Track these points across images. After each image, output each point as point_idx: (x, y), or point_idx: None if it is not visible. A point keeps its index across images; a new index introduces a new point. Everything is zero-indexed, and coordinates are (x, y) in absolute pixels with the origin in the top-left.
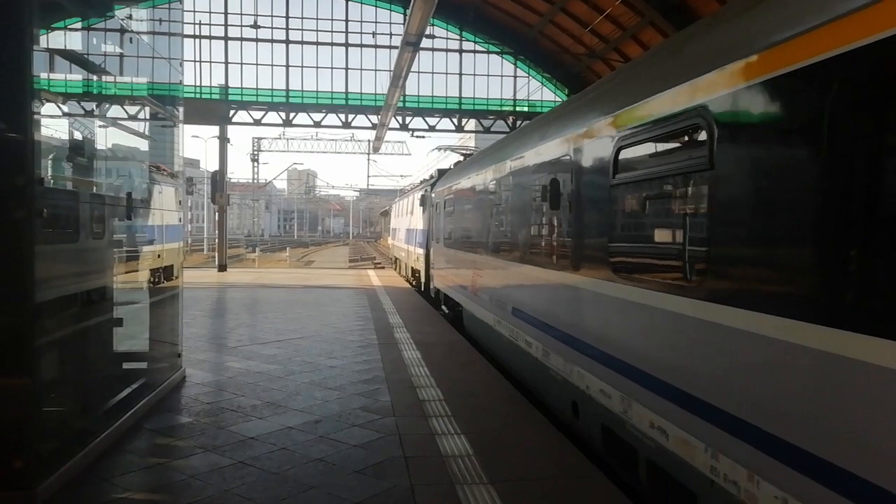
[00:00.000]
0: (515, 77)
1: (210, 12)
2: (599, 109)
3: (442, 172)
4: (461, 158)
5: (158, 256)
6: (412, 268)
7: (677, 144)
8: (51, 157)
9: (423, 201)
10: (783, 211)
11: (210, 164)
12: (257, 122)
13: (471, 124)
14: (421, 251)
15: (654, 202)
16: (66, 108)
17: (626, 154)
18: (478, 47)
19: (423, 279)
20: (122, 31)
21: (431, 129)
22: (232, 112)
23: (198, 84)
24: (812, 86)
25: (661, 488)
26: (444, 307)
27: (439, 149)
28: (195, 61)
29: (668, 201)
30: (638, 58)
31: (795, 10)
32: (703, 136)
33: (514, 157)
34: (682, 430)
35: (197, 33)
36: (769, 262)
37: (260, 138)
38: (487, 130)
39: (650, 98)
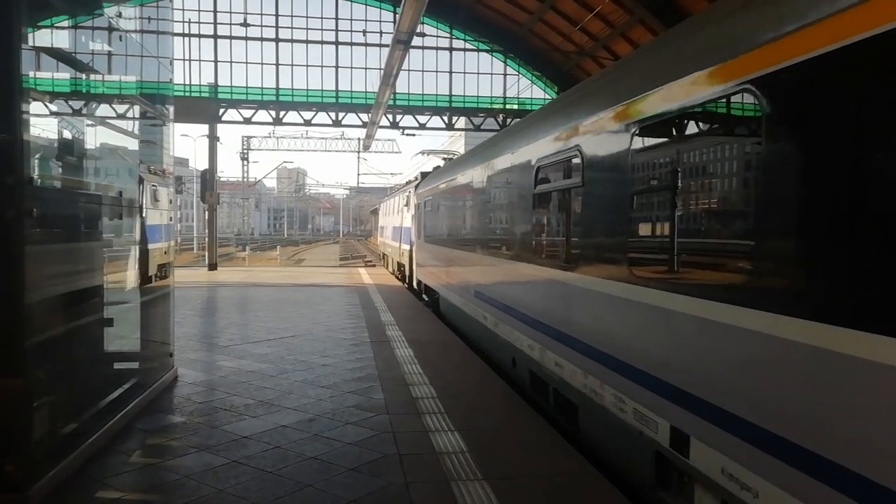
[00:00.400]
0: (505, 75)
1: (199, 10)
2: (526, 138)
3: (424, 175)
4: (442, 163)
5: (150, 255)
6: (398, 262)
7: (567, 167)
8: (38, 156)
9: (408, 202)
10: (616, 213)
11: (199, 162)
12: (247, 121)
13: (461, 122)
14: (406, 247)
15: (555, 207)
16: (54, 107)
17: (541, 172)
18: (468, 45)
19: (407, 272)
20: (112, 29)
21: (422, 127)
22: (222, 110)
23: (187, 83)
24: (614, 141)
25: (559, 405)
26: (424, 296)
27: (423, 153)
28: (184, 60)
29: (562, 206)
30: (560, 97)
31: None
32: (578, 163)
33: (474, 169)
34: (569, 362)
35: (186, 31)
36: (593, 246)
37: (249, 137)
38: (478, 128)
39: (553, 133)
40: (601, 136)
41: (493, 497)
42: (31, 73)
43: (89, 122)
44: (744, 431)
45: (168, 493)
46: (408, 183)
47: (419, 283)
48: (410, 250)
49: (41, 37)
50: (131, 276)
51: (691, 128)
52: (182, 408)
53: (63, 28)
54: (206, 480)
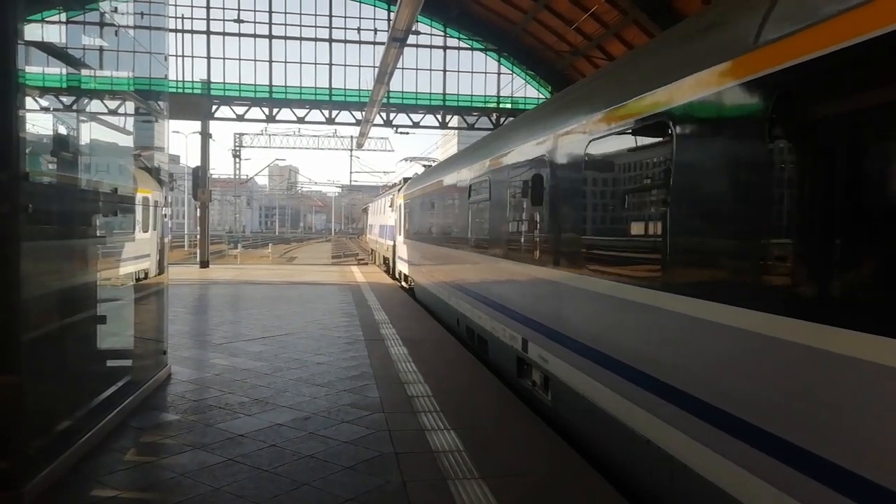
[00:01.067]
0: (499, 74)
1: (192, 6)
2: (463, 163)
3: (406, 180)
4: (421, 169)
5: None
6: (384, 256)
7: (486, 187)
8: (28, 150)
9: (392, 203)
10: (509, 217)
11: (191, 159)
12: (240, 118)
13: (455, 121)
14: (390, 243)
15: (476, 213)
16: (47, 103)
17: (474, 188)
18: (462, 44)
19: (391, 265)
20: (108, 24)
21: (415, 125)
22: (214, 107)
23: (179, 79)
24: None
25: (480, 345)
26: (402, 283)
27: (406, 159)
28: (177, 56)
29: (478, 213)
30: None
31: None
32: (487, 183)
33: (436, 182)
34: (484, 315)
35: (179, 27)
36: (493, 237)
37: (242, 134)
38: (471, 127)
39: (482, 161)
40: (502, 169)
41: (490, 495)
42: (27, 69)
43: (83, 118)
44: (543, 332)
45: (164, 492)
46: (392, 186)
47: (400, 273)
48: (393, 246)
49: (35, 31)
50: (125, 273)
51: (561, 157)
52: (176, 406)
53: (58, 23)
54: (202, 479)
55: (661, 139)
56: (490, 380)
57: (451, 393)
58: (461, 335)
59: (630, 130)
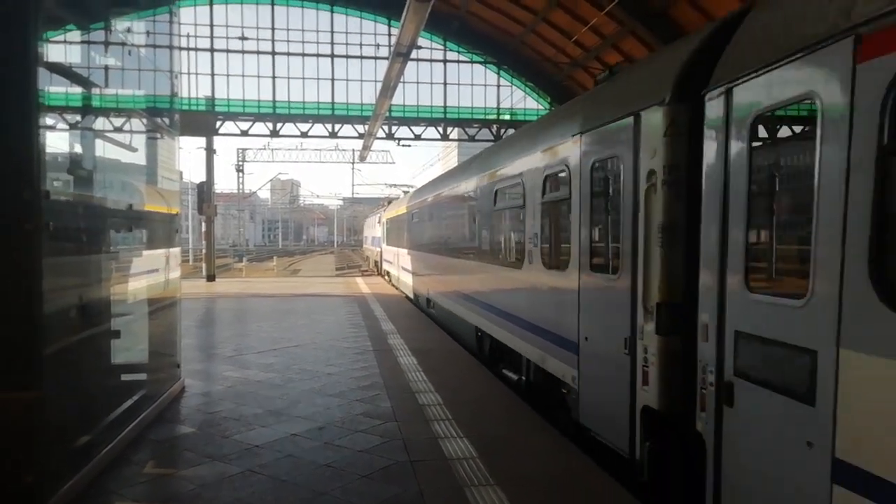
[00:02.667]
0: (499, 86)
1: (196, 24)
2: (411, 198)
3: (390, 202)
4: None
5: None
6: (375, 260)
7: (427, 213)
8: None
9: (380, 220)
10: (441, 230)
11: (194, 175)
12: (244, 133)
13: (456, 133)
14: (378, 249)
15: (431, 228)
16: (68, 123)
17: (413, 212)
18: (462, 57)
19: (379, 265)
20: (125, 44)
21: (417, 138)
22: (219, 123)
23: (185, 96)
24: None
25: (441, 318)
26: (385, 277)
27: (391, 185)
28: (181, 73)
29: (421, 227)
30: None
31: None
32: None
33: (400, 208)
34: (443, 297)
35: (183, 45)
36: (450, 242)
37: (245, 149)
38: (472, 139)
39: (424, 196)
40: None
41: (506, 501)
42: (46, 88)
43: (99, 136)
44: (493, 313)
45: (184, 503)
46: (380, 206)
47: (385, 271)
48: (380, 251)
49: (52, 52)
50: (140, 288)
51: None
52: (192, 418)
53: (75, 43)
54: (222, 490)
55: (520, 188)
56: (500, 388)
57: (463, 402)
58: (418, 304)
59: (509, 181)
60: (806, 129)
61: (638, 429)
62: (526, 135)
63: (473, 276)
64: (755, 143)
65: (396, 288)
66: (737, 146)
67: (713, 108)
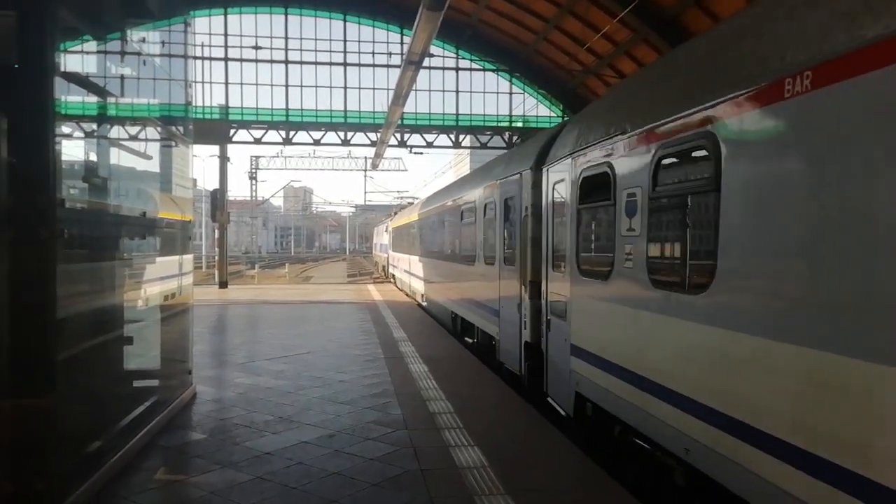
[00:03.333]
0: (511, 94)
1: (210, 34)
2: (406, 212)
3: (396, 213)
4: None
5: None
6: (382, 265)
7: (420, 226)
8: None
9: (387, 228)
10: (432, 238)
11: (208, 182)
12: (257, 141)
13: (468, 140)
14: (385, 255)
15: (421, 238)
16: (83, 131)
17: (412, 223)
18: (474, 65)
19: (386, 269)
20: (141, 54)
21: (429, 145)
22: (232, 131)
23: (199, 104)
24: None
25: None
26: (391, 279)
27: (399, 197)
28: (196, 82)
29: (416, 236)
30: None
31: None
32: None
33: (399, 220)
34: (437, 296)
35: (198, 55)
36: (437, 247)
37: (258, 157)
38: (484, 146)
39: (417, 211)
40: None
41: None
42: (62, 98)
43: (115, 145)
44: (459, 297)
45: None
46: (387, 217)
47: (392, 274)
48: (387, 257)
49: (68, 62)
50: (153, 295)
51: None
52: (203, 425)
53: (90, 53)
54: (232, 497)
55: (473, 210)
56: (512, 396)
57: (474, 410)
58: (403, 290)
59: (468, 205)
60: (562, 192)
61: (522, 355)
62: (478, 173)
63: (449, 273)
64: (556, 194)
65: (402, 291)
66: (550, 195)
67: (544, 174)
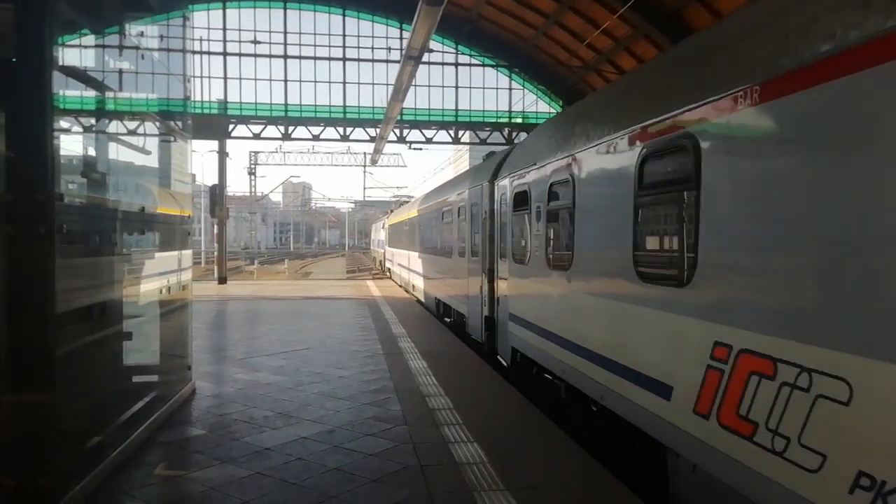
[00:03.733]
0: (511, 89)
1: (209, 28)
2: (398, 212)
3: (391, 211)
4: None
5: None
6: (379, 260)
7: (413, 224)
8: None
9: (383, 226)
10: (422, 234)
11: (207, 178)
12: (256, 136)
13: (467, 136)
14: (381, 251)
15: (414, 235)
16: (81, 125)
17: (403, 222)
18: (474, 60)
19: (383, 263)
20: (141, 48)
21: (429, 141)
22: (231, 126)
23: (197, 99)
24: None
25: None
26: (386, 272)
27: (394, 196)
28: (194, 77)
29: (406, 233)
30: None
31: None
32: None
33: (395, 219)
34: (419, 282)
35: (196, 49)
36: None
37: (257, 152)
38: (483, 142)
39: (409, 211)
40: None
41: None
42: (61, 92)
43: (113, 140)
44: (440, 283)
45: None
46: (383, 214)
47: (387, 267)
48: (384, 252)
49: (66, 56)
50: (151, 290)
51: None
52: (202, 420)
53: (88, 47)
54: (232, 492)
55: (452, 211)
56: (511, 392)
57: (473, 406)
58: (398, 282)
59: (448, 206)
60: (505, 201)
61: (482, 326)
62: (452, 183)
63: (433, 264)
64: (502, 203)
65: (398, 284)
66: (498, 203)
67: (496, 187)
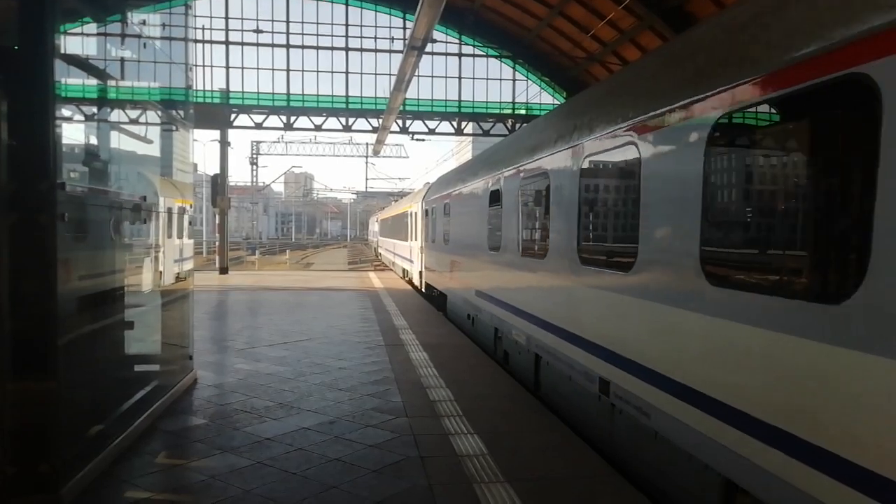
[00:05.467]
0: (514, 80)
1: (211, 17)
2: (388, 209)
3: (384, 208)
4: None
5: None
6: (374, 247)
7: (395, 222)
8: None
9: (378, 219)
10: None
11: (208, 167)
12: (258, 126)
13: (470, 127)
14: (376, 240)
15: (401, 228)
16: (83, 114)
17: (389, 218)
18: (477, 51)
19: (377, 250)
20: (144, 37)
21: (431, 132)
22: (233, 116)
23: (199, 88)
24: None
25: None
26: (380, 258)
27: (390, 194)
28: (196, 65)
29: (391, 226)
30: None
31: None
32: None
33: (387, 214)
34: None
35: (198, 38)
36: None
37: (259, 142)
38: (486, 133)
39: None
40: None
41: (516, 499)
42: (63, 80)
43: (116, 128)
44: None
45: (196, 494)
46: (378, 209)
47: (380, 253)
48: (377, 241)
49: (68, 44)
50: (153, 280)
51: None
52: (203, 410)
53: (90, 35)
54: (232, 481)
55: (412, 215)
56: (512, 384)
57: (474, 397)
58: (387, 264)
59: (408, 212)
60: (427, 211)
61: (422, 282)
62: (410, 197)
63: (403, 248)
64: (427, 213)
65: (385, 265)
66: (425, 212)
67: (428, 203)
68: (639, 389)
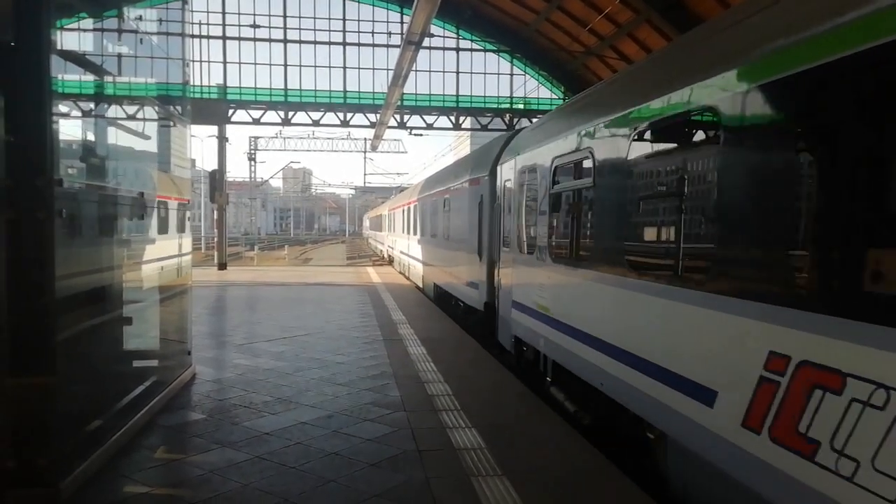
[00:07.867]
0: (512, 75)
1: (208, 12)
2: (385, 206)
3: (374, 208)
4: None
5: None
6: (370, 241)
7: (391, 217)
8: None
9: (373, 215)
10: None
11: (207, 163)
12: (256, 122)
13: (468, 122)
14: (373, 233)
15: (395, 224)
16: (80, 110)
17: (379, 216)
18: (475, 45)
19: (367, 239)
20: (142, 32)
21: (429, 127)
22: (231, 111)
23: (196, 84)
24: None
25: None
26: (366, 241)
27: (382, 196)
28: (193, 61)
29: (375, 224)
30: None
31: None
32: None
33: (378, 212)
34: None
35: (195, 33)
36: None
37: (257, 137)
38: (485, 128)
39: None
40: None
41: (513, 492)
42: (59, 76)
43: (112, 124)
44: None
45: (194, 488)
46: (370, 208)
47: (374, 246)
48: (368, 234)
49: (64, 40)
50: (152, 275)
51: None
52: (202, 405)
53: (86, 30)
54: (231, 475)
55: (387, 217)
56: (509, 378)
57: (471, 392)
58: (388, 259)
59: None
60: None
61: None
62: (378, 208)
63: (383, 238)
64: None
65: (373, 250)
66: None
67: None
68: None
